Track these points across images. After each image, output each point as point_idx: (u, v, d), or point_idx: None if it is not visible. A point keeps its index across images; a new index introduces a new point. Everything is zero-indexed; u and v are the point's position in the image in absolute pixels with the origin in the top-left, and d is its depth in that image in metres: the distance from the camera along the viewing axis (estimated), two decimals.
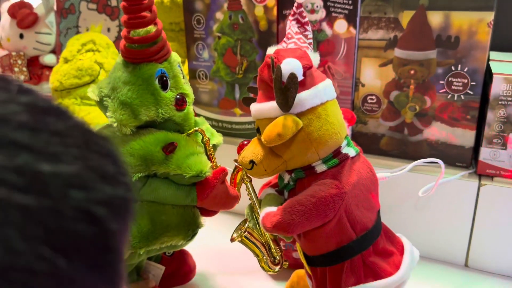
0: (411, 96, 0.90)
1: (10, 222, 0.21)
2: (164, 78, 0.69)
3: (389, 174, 0.86)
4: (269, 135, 0.60)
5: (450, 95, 0.87)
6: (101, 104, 0.68)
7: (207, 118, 1.08)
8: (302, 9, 0.68)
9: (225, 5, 1.00)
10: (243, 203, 0.76)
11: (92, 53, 1.08)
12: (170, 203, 0.71)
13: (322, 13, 0.92)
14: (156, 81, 0.68)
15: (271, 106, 0.61)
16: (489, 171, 0.87)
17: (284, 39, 0.69)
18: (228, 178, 0.75)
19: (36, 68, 1.46)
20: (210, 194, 0.70)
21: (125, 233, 0.27)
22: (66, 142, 0.25)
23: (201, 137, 0.73)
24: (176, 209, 0.72)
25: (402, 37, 0.87)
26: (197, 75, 1.10)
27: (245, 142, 0.71)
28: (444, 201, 0.89)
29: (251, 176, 0.72)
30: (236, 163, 0.76)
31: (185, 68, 1.10)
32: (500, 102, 0.82)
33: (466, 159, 0.90)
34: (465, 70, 0.84)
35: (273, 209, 0.63)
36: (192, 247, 0.83)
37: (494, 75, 0.82)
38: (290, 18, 0.69)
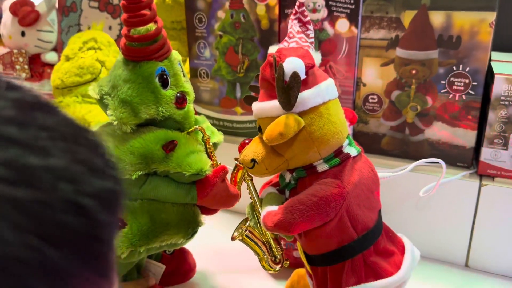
0: (413, 96, 0.90)
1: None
2: (165, 76, 0.69)
3: (390, 174, 0.86)
4: (271, 134, 0.59)
5: (451, 95, 0.87)
6: (101, 102, 0.68)
7: (208, 117, 1.08)
8: (304, 8, 0.68)
9: (227, 4, 1.00)
10: (244, 201, 0.76)
11: (94, 51, 1.08)
12: (170, 201, 0.71)
13: (324, 12, 0.92)
14: (157, 79, 0.68)
15: (273, 105, 0.61)
16: (490, 171, 0.86)
17: (286, 38, 0.68)
18: (228, 176, 0.75)
19: (38, 66, 1.47)
20: (210, 193, 0.70)
21: (115, 225, 0.28)
22: (54, 136, 0.26)
23: (202, 135, 0.73)
24: (176, 207, 0.72)
25: (404, 37, 0.87)
26: (199, 73, 1.09)
27: (247, 141, 0.71)
28: (445, 201, 0.89)
29: (252, 175, 0.72)
30: (236, 162, 0.75)
31: (187, 66, 1.10)
32: (501, 103, 0.82)
33: (467, 159, 0.89)
34: (466, 70, 0.84)
35: (274, 208, 0.63)
36: (193, 246, 0.83)
37: (495, 75, 0.82)
38: (292, 17, 0.68)
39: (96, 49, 1.09)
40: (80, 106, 1.04)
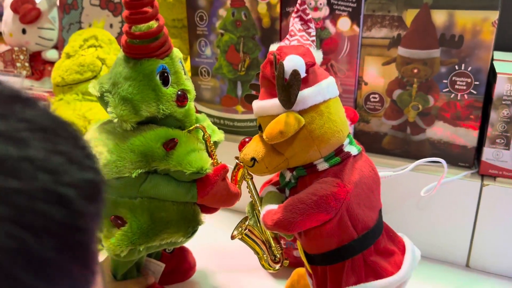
0: (414, 95, 0.89)
1: None
2: (165, 74, 0.68)
3: (391, 173, 0.86)
4: (271, 132, 0.59)
5: (453, 95, 0.87)
6: (102, 99, 0.68)
7: (209, 115, 1.07)
8: (305, 6, 0.68)
9: (228, 2, 1.00)
10: (244, 200, 0.75)
11: (94, 49, 1.08)
12: (170, 200, 0.71)
13: (325, 11, 0.91)
14: (157, 77, 0.68)
15: (273, 103, 0.61)
16: (491, 171, 0.86)
17: (287, 36, 0.68)
18: (229, 175, 0.74)
19: (38, 64, 1.46)
20: (210, 191, 0.69)
21: (96, 215, 0.28)
22: (33, 128, 0.26)
23: (202, 133, 0.73)
24: (176, 205, 0.71)
25: (406, 36, 0.87)
26: (200, 72, 1.09)
27: (247, 139, 0.70)
28: (446, 201, 0.89)
29: (252, 174, 0.72)
30: (237, 160, 0.75)
31: (188, 65, 1.10)
32: (503, 102, 0.82)
33: (469, 159, 0.89)
34: (468, 69, 0.84)
35: (274, 207, 0.63)
36: (192, 244, 0.82)
37: (497, 75, 0.81)
38: (293, 15, 0.68)
39: (97, 46, 1.08)
40: (81, 104, 1.04)
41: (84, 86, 1.04)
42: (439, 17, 0.83)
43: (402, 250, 0.66)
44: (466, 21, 0.82)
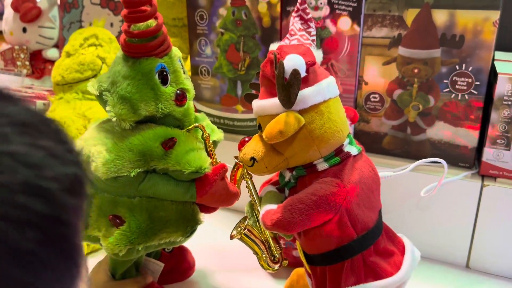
0: (415, 95, 0.89)
1: None
2: (164, 73, 0.68)
3: (391, 173, 0.86)
4: (271, 132, 0.59)
5: (454, 95, 0.86)
6: (100, 98, 0.68)
7: (209, 115, 1.07)
8: (306, 5, 0.67)
9: (229, 1, 1.00)
10: (243, 200, 0.75)
11: (95, 48, 1.08)
12: (169, 199, 0.71)
13: (326, 10, 0.91)
14: (156, 76, 0.67)
15: (273, 103, 0.61)
16: (492, 171, 0.86)
17: (287, 35, 0.68)
18: (228, 174, 0.74)
19: (39, 62, 1.46)
20: (209, 191, 0.69)
21: (79, 208, 0.29)
22: (15, 124, 0.27)
23: (201, 133, 0.73)
24: (175, 205, 0.71)
25: (406, 35, 0.86)
26: (199, 71, 1.09)
27: (246, 139, 0.70)
28: (446, 201, 0.88)
29: (251, 173, 0.71)
30: (236, 160, 0.75)
31: (188, 64, 1.09)
32: (504, 102, 0.81)
33: (469, 160, 0.89)
34: (469, 69, 0.84)
35: (273, 206, 0.62)
36: (192, 244, 0.82)
37: (498, 75, 0.81)
38: (294, 14, 0.68)
39: (97, 45, 1.08)
40: (81, 103, 1.04)
41: (84, 85, 1.04)
42: (440, 16, 0.83)
43: (402, 250, 0.66)
44: (467, 21, 0.81)
